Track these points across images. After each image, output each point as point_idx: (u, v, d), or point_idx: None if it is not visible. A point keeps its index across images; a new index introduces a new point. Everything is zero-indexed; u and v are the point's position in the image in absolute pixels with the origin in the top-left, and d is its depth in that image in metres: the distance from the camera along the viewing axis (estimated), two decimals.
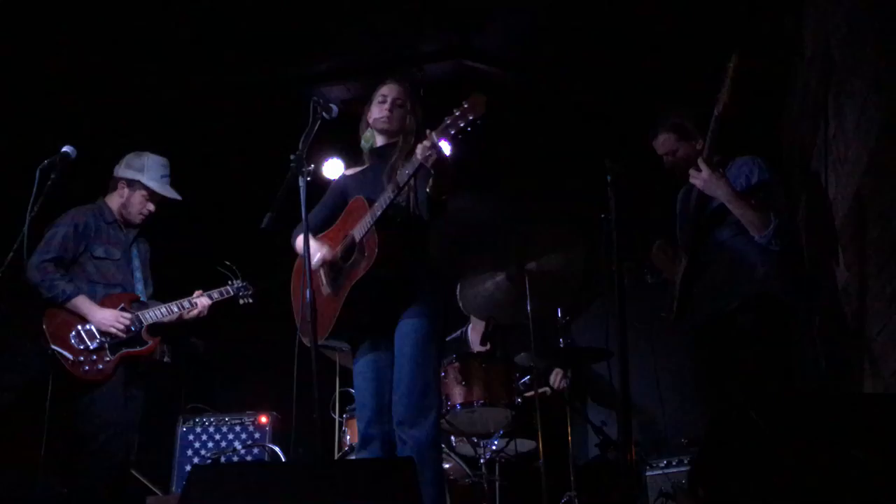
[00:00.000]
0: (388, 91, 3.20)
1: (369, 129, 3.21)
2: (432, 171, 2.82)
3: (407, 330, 2.97)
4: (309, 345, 3.02)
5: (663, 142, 3.44)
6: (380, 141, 3.22)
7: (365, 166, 3.24)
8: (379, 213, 2.89)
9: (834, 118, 3.29)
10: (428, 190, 2.89)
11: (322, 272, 3.12)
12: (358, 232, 2.96)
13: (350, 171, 3.35)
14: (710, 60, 3.24)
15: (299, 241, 3.06)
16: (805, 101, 3.96)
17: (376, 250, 2.86)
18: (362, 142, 3.25)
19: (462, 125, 2.71)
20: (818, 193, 3.62)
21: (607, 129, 4.74)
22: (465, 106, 2.72)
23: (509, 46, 4.82)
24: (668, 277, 3.42)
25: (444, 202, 2.93)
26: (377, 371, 3.01)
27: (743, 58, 2.98)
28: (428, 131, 2.78)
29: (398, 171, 2.91)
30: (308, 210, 2.89)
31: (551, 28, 4.55)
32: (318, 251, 3.05)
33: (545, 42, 4.69)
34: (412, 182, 2.93)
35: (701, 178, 3.13)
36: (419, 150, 2.79)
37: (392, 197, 2.87)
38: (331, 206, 3.23)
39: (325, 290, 3.09)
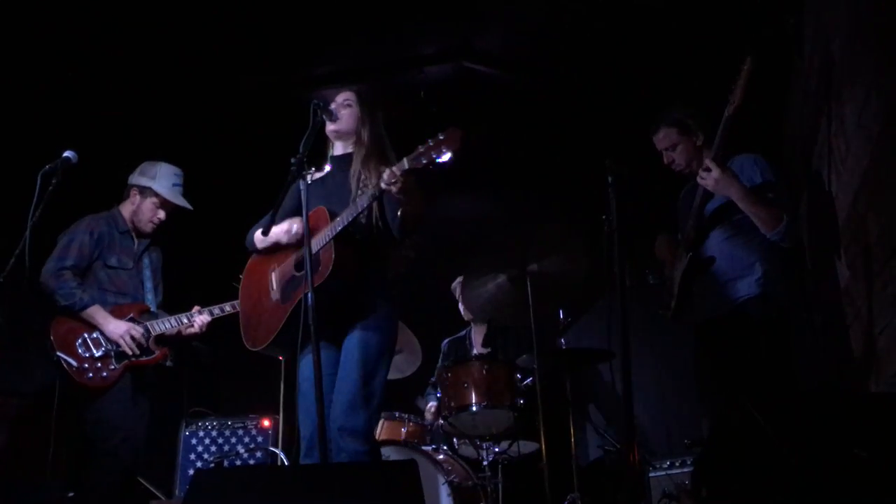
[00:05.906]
0: (338, 97, 3.20)
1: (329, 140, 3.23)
2: (399, 197, 2.79)
3: (356, 340, 2.95)
4: (253, 349, 3.08)
5: (664, 136, 3.44)
6: (338, 148, 3.23)
7: (325, 172, 3.20)
8: (339, 229, 2.88)
9: (835, 116, 3.29)
10: (398, 214, 2.89)
11: (273, 278, 3.12)
12: (316, 244, 2.93)
13: (310, 177, 3.25)
14: (712, 61, 3.24)
15: (258, 237, 3.10)
16: (806, 100, 3.95)
17: (330, 266, 2.85)
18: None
19: (434, 156, 2.64)
20: (820, 191, 3.62)
21: (608, 130, 4.74)
22: (441, 138, 2.65)
23: (510, 48, 4.82)
24: (669, 271, 3.42)
25: (415, 226, 2.93)
26: (326, 378, 2.93)
27: (757, 60, 2.96)
28: (401, 162, 2.73)
29: (360, 194, 2.92)
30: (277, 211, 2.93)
31: (552, 29, 4.55)
32: (293, 223, 3.04)
33: (546, 43, 4.69)
34: (375, 202, 2.93)
35: (711, 177, 3.11)
36: (385, 175, 2.76)
37: (351, 218, 2.86)
38: (290, 211, 3.16)
39: (274, 296, 3.08)
